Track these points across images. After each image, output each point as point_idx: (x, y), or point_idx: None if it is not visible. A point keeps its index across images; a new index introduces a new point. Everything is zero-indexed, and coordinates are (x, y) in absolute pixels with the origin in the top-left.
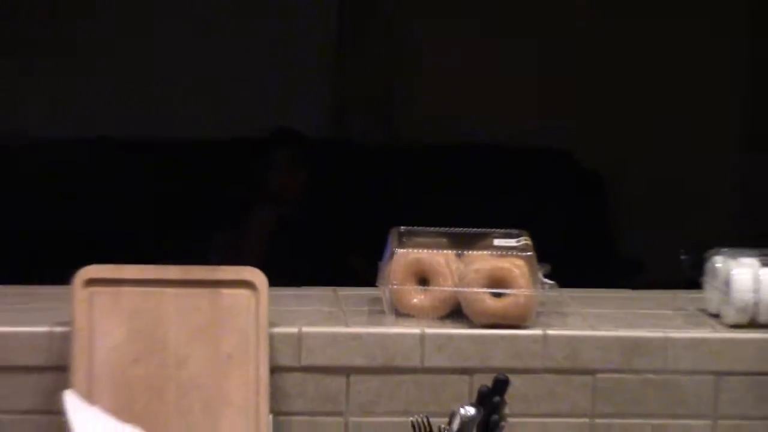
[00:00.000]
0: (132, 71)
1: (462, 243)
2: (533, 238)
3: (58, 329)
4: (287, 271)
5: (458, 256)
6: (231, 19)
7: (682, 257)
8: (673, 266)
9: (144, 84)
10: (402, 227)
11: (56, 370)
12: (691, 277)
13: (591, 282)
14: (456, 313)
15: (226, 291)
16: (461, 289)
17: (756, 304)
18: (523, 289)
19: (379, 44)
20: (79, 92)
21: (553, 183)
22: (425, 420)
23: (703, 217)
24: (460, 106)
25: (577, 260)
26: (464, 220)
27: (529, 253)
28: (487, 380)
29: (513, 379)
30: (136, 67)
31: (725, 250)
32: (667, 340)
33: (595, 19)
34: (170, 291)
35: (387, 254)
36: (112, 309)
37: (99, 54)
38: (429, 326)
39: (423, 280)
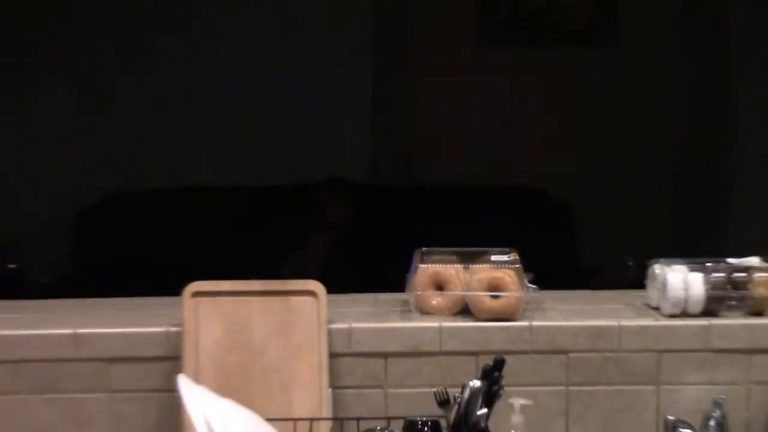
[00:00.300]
0: (235, 133)
1: (467, 259)
2: (520, 254)
3: (173, 329)
4: (340, 281)
5: (465, 268)
6: (299, 105)
7: (629, 264)
8: (622, 271)
9: (244, 143)
10: (424, 248)
11: (172, 359)
12: (635, 279)
13: (563, 285)
14: (464, 311)
15: (294, 298)
16: (468, 293)
17: (686, 300)
18: (513, 292)
19: (402, 113)
20: (193, 152)
21: (533, 212)
22: (444, 390)
23: (645, 235)
24: (465, 157)
25: (553, 269)
26: (468, 242)
27: (517, 266)
28: (489, 360)
29: (507, 359)
30: (239, 128)
31: (662, 260)
32: (620, 327)
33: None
34: (254, 299)
35: (413, 268)
36: (211, 313)
37: (196, 121)
38: (445, 321)
39: (439, 287)
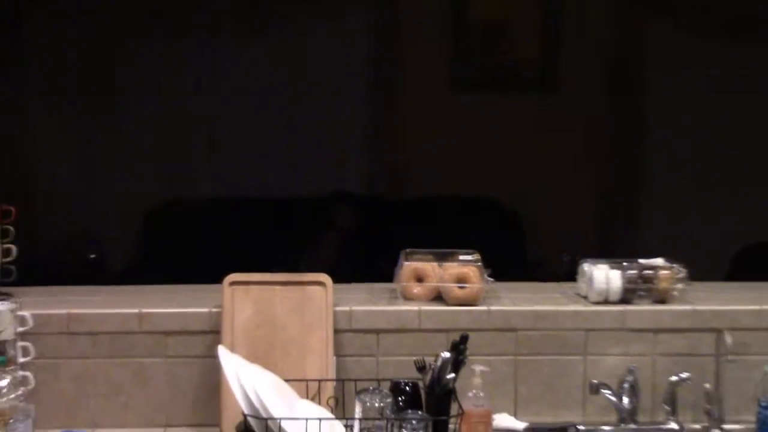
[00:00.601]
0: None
1: (441, 258)
2: (480, 252)
3: (215, 310)
4: (344, 273)
5: (439, 265)
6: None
7: (564, 259)
8: (559, 264)
9: (270, 164)
10: (408, 249)
11: (213, 333)
12: (569, 270)
13: (513, 274)
14: (438, 298)
15: (308, 287)
16: (441, 284)
17: (607, 291)
18: (476, 284)
19: (393, 140)
20: (234, 170)
21: (490, 218)
22: (422, 359)
23: (576, 236)
24: (439, 175)
25: (505, 265)
26: (442, 241)
27: (479, 263)
28: (456, 336)
29: (471, 335)
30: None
31: (589, 259)
32: (558, 311)
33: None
34: (277, 287)
35: (399, 265)
36: (244, 298)
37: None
38: (423, 305)
39: (419, 279)
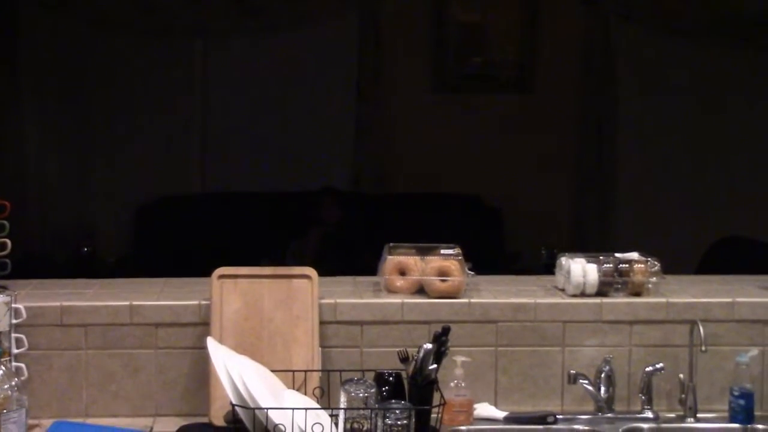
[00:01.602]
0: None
1: (423, 251)
2: (461, 244)
3: (204, 302)
4: (330, 264)
5: (421, 259)
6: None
7: (542, 252)
8: (537, 257)
9: (260, 160)
10: (391, 243)
11: (203, 324)
12: (547, 264)
13: (494, 269)
14: (421, 291)
15: (295, 280)
16: (424, 277)
17: (584, 284)
18: (457, 277)
19: (378, 140)
20: (222, 167)
21: (472, 213)
22: (405, 350)
23: (553, 231)
24: (422, 173)
25: (486, 258)
26: (424, 235)
27: (460, 257)
28: (438, 328)
29: (452, 327)
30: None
31: (567, 253)
32: (536, 303)
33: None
34: (265, 281)
35: (383, 258)
36: (233, 291)
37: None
38: (406, 298)
39: (402, 272)
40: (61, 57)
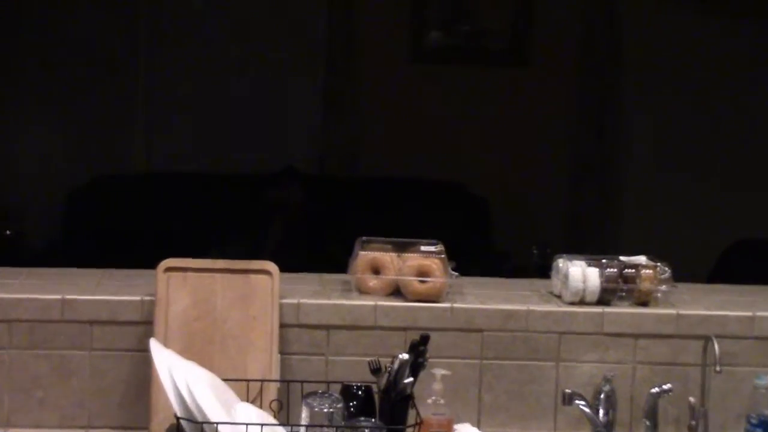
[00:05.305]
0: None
1: (401, 248)
2: (443, 243)
3: (147, 298)
4: (292, 261)
5: (398, 256)
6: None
7: (534, 252)
8: (528, 257)
9: (211, 135)
10: (364, 237)
11: (145, 324)
12: (539, 264)
13: (479, 268)
14: (396, 292)
15: (253, 276)
16: (400, 277)
17: (584, 290)
18: (438, 278)
19: (347, 115)
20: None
21: (455, 204)
22: (377, 360)
23: (546, 228)
24: (399, 155)
25: (472, 257)
26: (399, 226)
27: (442, 255)
28: (416, 335)
29: (431, 335)
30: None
31: (564, 255)
32: (528, 311)
33: None
34: (218, 275)
35: (354, 254)
36: (181, 286)
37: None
38: (379, 300)
39: (376, 271)
40: None
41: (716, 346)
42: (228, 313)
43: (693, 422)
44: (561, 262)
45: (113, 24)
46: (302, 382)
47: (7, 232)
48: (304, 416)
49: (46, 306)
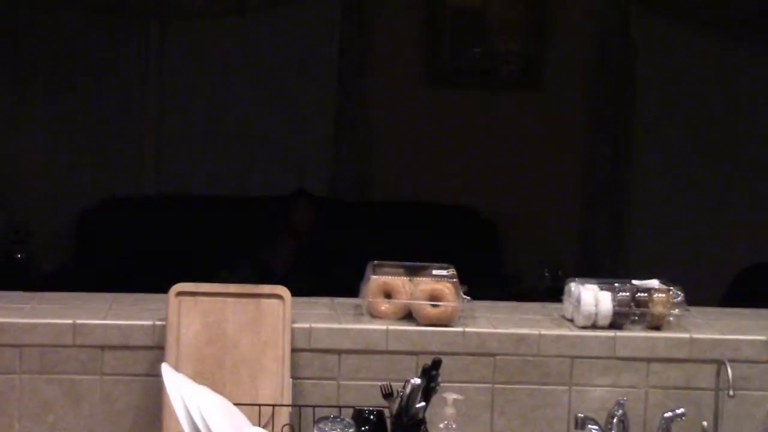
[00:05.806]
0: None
1: (412, 272)
2: (456, 269)
3: (159, 323)
4: (303, 285)
5: (410, 280)
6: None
7: (546, 275)
8: (539, 280)
9: (225, 158)
10: (375, 261)
11: (157, 348)
12: (550, 287)
13: (492, 291)
14: (408, 316)
15: (264, 300)
16: (412, 301)
17: (596, 314)
18: (450, 303)
19: (359, 139)
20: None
21: (465, 227)
22: (389, 385)
23: (558, 251)
24: (410, 179)
25: (483, 281)
26: (410, 250)
27: (454, 279)
28: (428, 360)
29: (443, 359)
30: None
31: (576, 279)
32: (540, 335)
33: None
34: (230, 300)
35: (365, 278)
36: (192, 310)
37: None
38: (391, 325)
39: (388, 295)
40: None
41: (729, 371)
42: (239, 337)
43: None
44: (573, 286)
45: (126, 46)
46: (314, 406)
47: (18, 255)
48: None
49: (57, 331)
